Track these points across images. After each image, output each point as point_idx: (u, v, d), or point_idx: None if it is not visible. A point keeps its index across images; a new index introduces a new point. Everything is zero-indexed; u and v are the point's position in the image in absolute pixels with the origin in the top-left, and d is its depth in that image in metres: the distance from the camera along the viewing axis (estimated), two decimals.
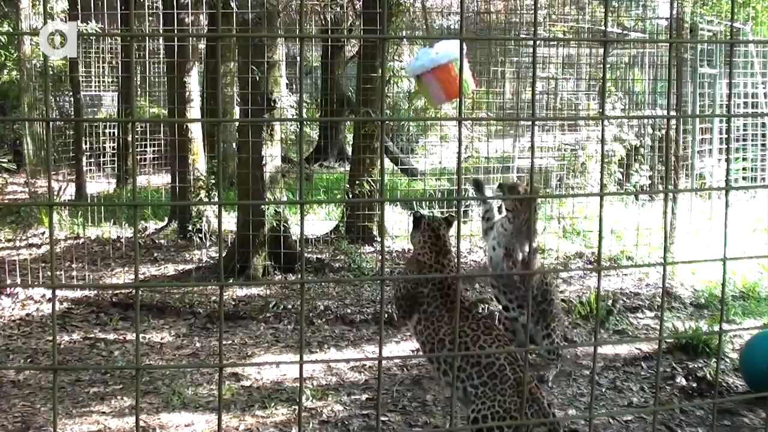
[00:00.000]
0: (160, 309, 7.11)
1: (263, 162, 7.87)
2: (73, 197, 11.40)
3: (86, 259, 8.34)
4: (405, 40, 12.48)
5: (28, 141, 10.73)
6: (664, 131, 10.60)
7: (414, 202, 5.97)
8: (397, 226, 9.65)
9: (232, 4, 7.94)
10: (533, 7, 1.80)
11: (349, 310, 7.04)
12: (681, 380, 5.47)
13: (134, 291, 1.82)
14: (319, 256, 8.62)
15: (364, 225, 9.25)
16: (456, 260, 4.77)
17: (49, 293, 7.22)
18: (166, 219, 10.21)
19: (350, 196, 9.19)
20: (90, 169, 12.55)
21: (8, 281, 7.47)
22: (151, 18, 12.73)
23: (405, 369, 5.78)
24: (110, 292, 7.45)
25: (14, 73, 11.89)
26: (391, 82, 12.68)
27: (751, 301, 7.31)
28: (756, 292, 7.48)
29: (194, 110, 9.83)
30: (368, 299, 7.37)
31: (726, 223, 2.05)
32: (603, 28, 3.59)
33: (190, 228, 9.41)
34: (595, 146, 11.04)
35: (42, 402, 5.20)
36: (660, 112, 10.65)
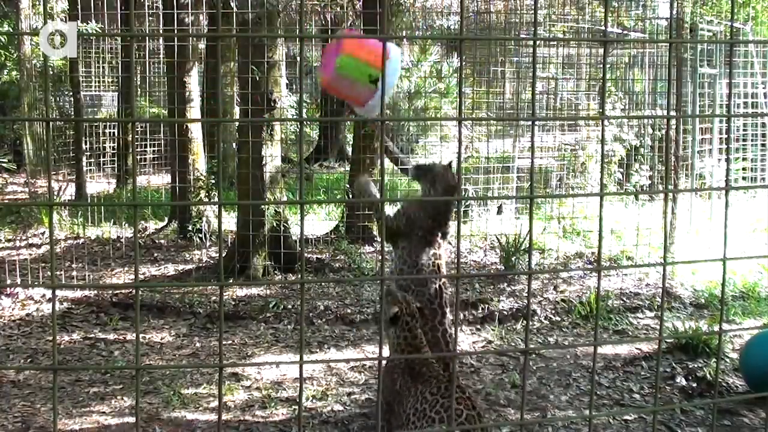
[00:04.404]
0: (160, 309, 7.11)
1: (263, 162, 7.87)
2: (73, 197, 11.40)
3: (86, 259, 8.34)
4: (405, 40, 12.47)
5: (28, 141, 10.73)
6: (664, 131, 10.60)
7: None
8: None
9: (232, 4, 7.94)
10: (533, 7, 1.80)
11: (349, 310, 7.04)
12: (681, 380, 5.47)
13: (134, 291, 1.82)
14: (319, 256, 8.62)
15: (364, 225, 9.25)
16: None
17: (49, 293, 7.22)
18: (166, 219, 10.21)
19: (350, 196, 9.19)
20: (90, 169, 12.54)
21: (8, 281, 7.47)
22: (151, 18, 12.73)
23: None
24: (110, 292, 7.45)
25: (14, 73, 11.89)
26: None
27: (751, 301, 7.31)
28: (756, 292, 7.48)
29: (194, 110, 9.83)
30: (368, 299, 7.37)
31: (726, 223, 2.05)
32: (603, 28, 3.59)
33: (190, 228, 9.41)
34: (595, 146, 11.04)
35: (42, 402, 5.20)
36: (660, 112, 10.65)
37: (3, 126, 13.44)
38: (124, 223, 9.51)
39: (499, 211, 10.43)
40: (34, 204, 11.39)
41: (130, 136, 12.09)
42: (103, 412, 5.04)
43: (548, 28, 10.94)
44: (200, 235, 9.29)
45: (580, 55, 11.47)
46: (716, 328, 6.37)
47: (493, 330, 6.63)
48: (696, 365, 5.69)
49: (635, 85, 12.22)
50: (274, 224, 8.03)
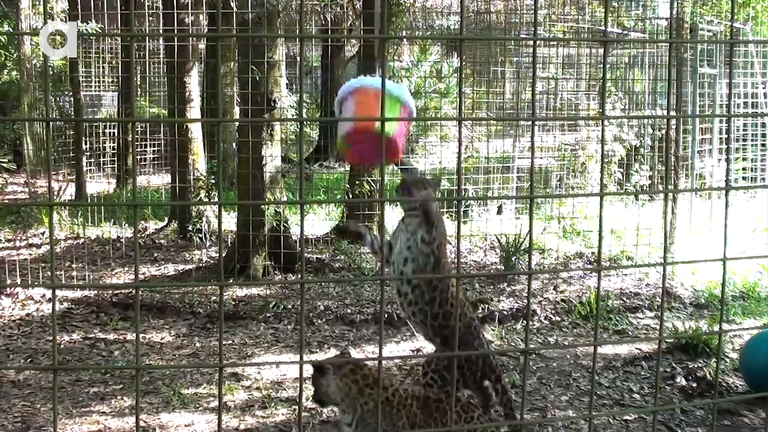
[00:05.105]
0: (160, 309, 7.11)
1: (263, 162, 7.87)
2: (73, 197, 11.40)
3: (86, 259, 8.34)
4: (405, 40, 12.47)
5: (28, 141, 10.73)
6: (664, 131, 10.59)
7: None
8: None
9: (232, 4, 7.94)
10: (533, 7, 1.80)
11: (349, 310, 7.04)
12: (681, 380, 5.47)
13: (134, 291, 1.82)
14: (319, 256, 8.62)
15: (364, 225, 9.25)
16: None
17: (49, 293, 7.22)
18: (166, 219, 10.21)
19: (350, 196, 9.19)
20: (90, 169, 12.54)
21: (8, 281, 7.47)
22: (151, 18, 12.73)
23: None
24: (110, 292, 7.45)
25: (14, 73, 11.88)
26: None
27: (751, 301, 7.31)
28: (756, 292, 7.48)
29: (194, 110, 9.82)
30: (368, 299, 7.37)
31: (726, 223, 2.05)
32: (603, 28, 3.59)
33: (190, 228, 9.41)
34: (595, 146, 11.04)
35: (42, 402, 5.20)
36: (660, 112, 10.65)
37: (3, 126, 13.44)
38: (124, 223, 9.51)
39: (499, 211, 10.42)
40: (34, 204, 11.39)
41: (130, 136, 12.09)
42: (103, 412, 5.04)
43: (548, 28, 10.94)
44: (200, 235, 9.29)
45: (580, 55, 11.46)
46: (716, 328, 6.37)
47: (493, 330, 6.63)
48: (696, 365, 5.69)
49: (635, 85, 12.21)
50: (274, 224, 8.03)
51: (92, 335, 6.51)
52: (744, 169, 11.65)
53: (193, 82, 9.77)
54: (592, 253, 8.75)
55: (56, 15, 12.56)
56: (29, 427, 4.81)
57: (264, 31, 7.68)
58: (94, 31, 10.95)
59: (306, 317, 6.83)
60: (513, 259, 8.14)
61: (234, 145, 10.32)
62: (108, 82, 14.48)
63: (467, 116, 11.01)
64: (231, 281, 7.70)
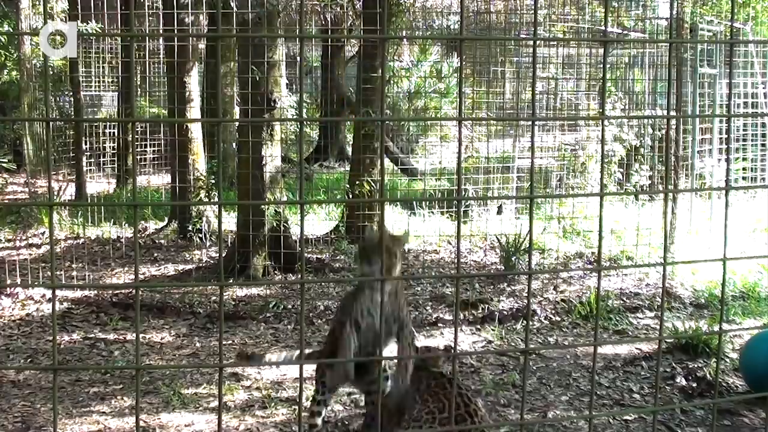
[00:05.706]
0: (160, 309, 7.10)
1: (263, 162, 7.87)
2: (73, 197, 11.40)
3: (86, 259, 8.34)
4: (405, 40, 12.48)
5: (28, 141, 10.73)
6: (664, 131, 10.59)
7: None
8: (397, 226, 9.65)
9: (232, 4, 7.94)
10: (533, 7, 1.80)
11: None
12: (681, 380, 5.47)
13: (134, 291, 1.82)
14: (319, 256, 8.62)
15: (364, 225, 9.24)
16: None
17: (49, 293, 7.22)
18: (166, 219, 10.21)
19: (350, 196, 9.19)
20: (90, 169, 12.55)
21: (8, 281, 7.47)
22: (151, 18, 12.73)
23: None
24: (110, 292, 7.45)
25: (14, 73, 11.89)
26: (391, 82, 12.69)
27: (751, 301, 7.31)
28: (756, 292, 7.48)
29: (194, 110, 9.82)
30: None
31: (726, 223, 2.05)
32: (603, 28, 3.59)
33: (190, 228, 9.41)
34: (595, 146, 11.04)
35: (42, 402, 5.20)
36: (660, 112, 10.65)
37: (3, 126, 13.44)
38: (124, 223, 9.51)
39: (499, 211, 10.43)
40: (34, 204, 11.39)
41: (130, 136, 12.09)
42: (103, 412, 5.04)
43: (548, 28, 10.94)
44: (200, 235, 9.29)
45: (580, 55, 11.46)
46: (716, 328, 6.38)
47: (493, 330, 6.63)
48: (696, 365, 5.69)
49: (635, 85, 12.21)
50: (274, 224, 8.03)
51: (92, 335, 6.52)
52: (744, 169, 11.64)
53: (193, 82, 9.77)
54: (592, 253, 8.75)
55: (56, 15, 12.57)
56: (29, 427, 4.81)
57: (264, 31, 7.68)
58: (94, 31, 10.95)
59: (306, 317, 6.83)
60: (513, 259, 8.14)
61: (234, 145, 10.33)
62: (108, 82, 14.48)
63: (467, 116, 11.02)
64: (231, 281, 7.70)
